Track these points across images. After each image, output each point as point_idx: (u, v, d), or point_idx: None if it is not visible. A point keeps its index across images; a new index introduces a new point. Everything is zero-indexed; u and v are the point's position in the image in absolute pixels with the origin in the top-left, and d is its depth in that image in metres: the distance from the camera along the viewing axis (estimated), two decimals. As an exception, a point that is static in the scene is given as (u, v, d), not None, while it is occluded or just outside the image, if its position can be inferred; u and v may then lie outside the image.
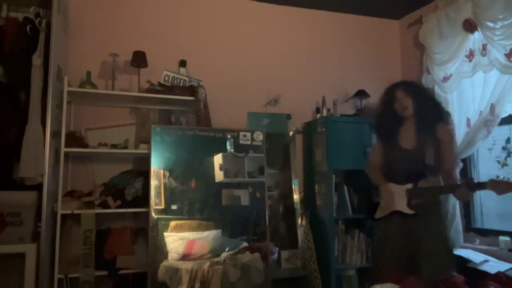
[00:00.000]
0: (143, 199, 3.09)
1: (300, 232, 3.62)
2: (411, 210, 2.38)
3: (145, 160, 3.15)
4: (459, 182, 2.37)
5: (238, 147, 3.34)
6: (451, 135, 2.50)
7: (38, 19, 2.85)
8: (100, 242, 2.99)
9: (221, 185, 3.25)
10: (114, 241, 3.06)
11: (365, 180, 2.74)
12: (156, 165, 3.08)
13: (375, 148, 2.77)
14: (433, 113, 2.50)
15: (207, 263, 2.88)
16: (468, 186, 2.23)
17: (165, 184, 3.09)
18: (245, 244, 3.21)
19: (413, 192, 2.39)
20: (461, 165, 3.24)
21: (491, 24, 3.16)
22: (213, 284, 2.77)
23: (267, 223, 3.29)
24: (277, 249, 3.45)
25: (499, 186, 2.08)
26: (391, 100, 2.59)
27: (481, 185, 2.16)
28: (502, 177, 2.11)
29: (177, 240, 3.05)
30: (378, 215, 2.57)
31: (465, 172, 3.47)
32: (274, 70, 3.95)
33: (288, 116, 3.89)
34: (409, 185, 2.40)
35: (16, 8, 2.99)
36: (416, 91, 2.57)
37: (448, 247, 2.40)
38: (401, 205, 2.41)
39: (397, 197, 2.44)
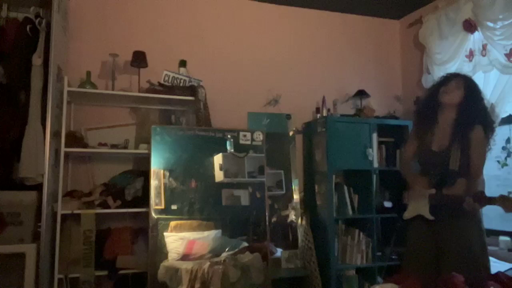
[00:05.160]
0: (143, 199, 3.09)
1: (300, 232, 3.62)
2: (431, 216, 2.34)
3: (145, 160, 3.15)
4: (479, 190, 2.28)
5: (238, 147, 3.34)
6: (483, 139, 2.36)
7: (38, 19, 2.86)
8: (100, 242, 2.99)
9: (221, 185, 3.25)
10: (114, 241, 3.06)
11: (398, 178, 2.70)
12: (156, 165, 3.08)
13: (408, 143, 2.68)
14: (474, 114, 2.39)
15: (207, 263, 2.88)
16: (478, 199, 2.17)
17: (165, 184, 3.09)
18: (245, 244, 3.22)
19: (435, 198, 2.34)
20: None
21: (491, 24, 3.16)
22: (213, 284, 2.77)
23: (267, 223, 3.29)
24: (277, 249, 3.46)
25: (507, 203, 2.05)
26: (440, 87, 2.50)
27: (491, 200, 2.11)
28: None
29: (177, 240, 3.04)
30: (405, 216, 2.52)
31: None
32: (274, 70, 3.95)
33: (288, 116, 3.89)
34: (432, 190, 2.35)
35: (16, 8, 2.98)
36: (470, 88, 2.45)
37: (475, 254, 2.27)
38: (424, 210, 2.37)
39: (421, 201, 2.39)
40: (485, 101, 2.47)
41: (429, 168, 2.45)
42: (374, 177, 3.63)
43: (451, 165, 2.32)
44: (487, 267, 2.32)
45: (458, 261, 2.23)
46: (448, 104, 2.45)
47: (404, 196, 2.59)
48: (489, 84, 3.25)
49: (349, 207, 3.63)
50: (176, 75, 3.40)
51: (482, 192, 2.20)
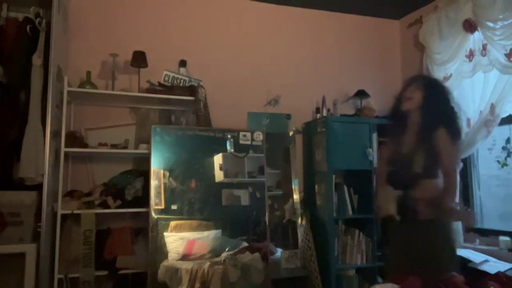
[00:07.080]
0: (143, 199, 3.09)
1: (300, 232, 3.62)
2: (398, 217, 2.35)
3: (145, 160, 3.15)
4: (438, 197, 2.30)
5: (238, 147, 3.34)
6: (447, 143, 2.31)
7: (38, 19, 2.85)
8: (100, 242, 2.98)
9: (221, 185, 3.25)
10: (114, 241, 3.06)
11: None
12: (156, 165, 3.08)
13: (384, 147, 2.71)
14: (436, 115, 2.35)
15: (207, 263, 2.88)
16: (431, 204, 2.19)
17: (165, 184, 3.09)
18: (245, 244, 3.21)
19: (402, 200, 2.35)
20: (461, 165, 3.23)
21: (491, 24, 3.16)
22: (213, 284, 2.76)
23: (267, 223, 3.29)
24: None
25: (456, 215, 2.06)
26: (403, 92, 2.50)
27: (442, 210, 2.14)
28: (465, 207, 2.09)
29: (177, 240, 3.04)
30: (379, 215, 2.56)
31: (465, 172, 3.48)
32: (274, 70, 3.95)
33: (288, 116, 3.89)
34: (399, 192, 2.37)
35: (16, 8, 2.99)
36: (430, 88, 2.43)
37: (445, 252, 2.28)
38: (392, 211, 2.38)
39: (390, 202, 2.41)
40: (451, 102, 2.42)
41: (398, 169, 2.46)
42: (374, 177, 3.63)
43: (414, 168, 2.33)
44: (453, 264, 2.30)
45: (422, 265, 2.23)
46: (410, 109, 2.44)
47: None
48: (489, 84, 3.25)
49: (349, 207, 3.63)
50: (176, 75, 3.40)
51: (438, 199, 2.21)
